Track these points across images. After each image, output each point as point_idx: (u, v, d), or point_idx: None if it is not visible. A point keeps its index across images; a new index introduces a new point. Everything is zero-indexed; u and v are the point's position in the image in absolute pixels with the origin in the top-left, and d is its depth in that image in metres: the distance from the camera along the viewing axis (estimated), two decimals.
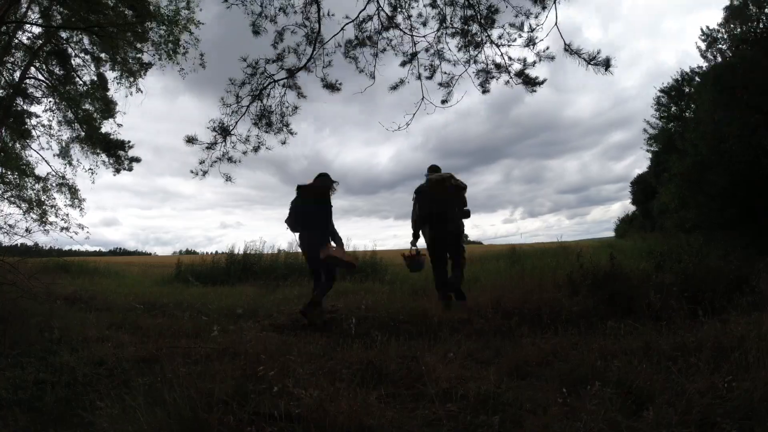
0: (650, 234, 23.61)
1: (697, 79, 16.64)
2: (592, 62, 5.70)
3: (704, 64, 16.81)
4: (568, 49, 5.81)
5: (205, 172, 6.64)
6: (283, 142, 6.82)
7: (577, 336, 4.65)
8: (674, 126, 24.44)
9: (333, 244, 5.64)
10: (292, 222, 5.61)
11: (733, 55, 11.40)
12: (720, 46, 13.58)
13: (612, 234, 45.65)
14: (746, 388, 2.85)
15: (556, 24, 5.73)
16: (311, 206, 5.53)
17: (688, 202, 12.14)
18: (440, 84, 6.81)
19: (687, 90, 22.53)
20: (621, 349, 4.01)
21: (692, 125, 13.10)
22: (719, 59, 12.27)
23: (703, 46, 16.96)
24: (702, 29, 16.31)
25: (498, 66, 6.47)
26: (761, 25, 11.35)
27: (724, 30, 13.51)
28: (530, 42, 6.08)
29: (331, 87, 6.68)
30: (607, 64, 5.68)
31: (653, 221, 29.31)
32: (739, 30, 11.86)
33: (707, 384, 3.02)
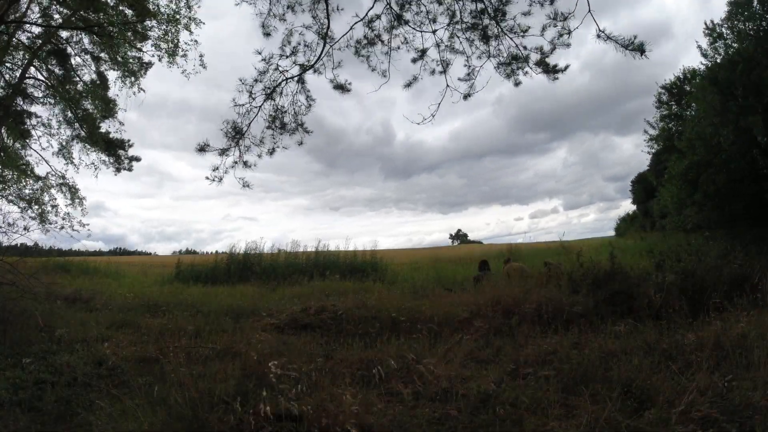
0: (650, 233, 23.61)
1: (698, 78, 16.51)
2: (628, 47, 5.56)
3: (706, 62, 16.74)
4: (603, 34, 5.56)
5: (220, 179, 6.51)
6: (300, 143, 6.73)
7: (577, 335, 4.65)
8: (674, 125, 24.38)
9: None
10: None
11: (735, 52, 11.35)
12: (724, 41, 13.50)
13: (612, 233, 45.64)
14: (747, 387, 2.85)
15: (589, 11, 5.49)
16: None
17: (686, 202, 12.15)
18: (461, 79, 6.65)
19: (688, 88, 22.44)
20: (621, 349, 4.01)
21: (691, 125, 13.10)
22: (722, 55, 12.18)
23: (705, 42, 16.89)
24: (706, 23, 16.19)
25: (516, 57, 6.34)
26: (764, 23, 11.32)
27: (727, 25, 13.42)
28: (562, 32, 5.84)
29: (341, 88, 6.59)
30: (641, 49, 5.56)
31: (653, 220, 29.31)
32: (742, 26, 11.80)
33: (707, 383, 3.02)
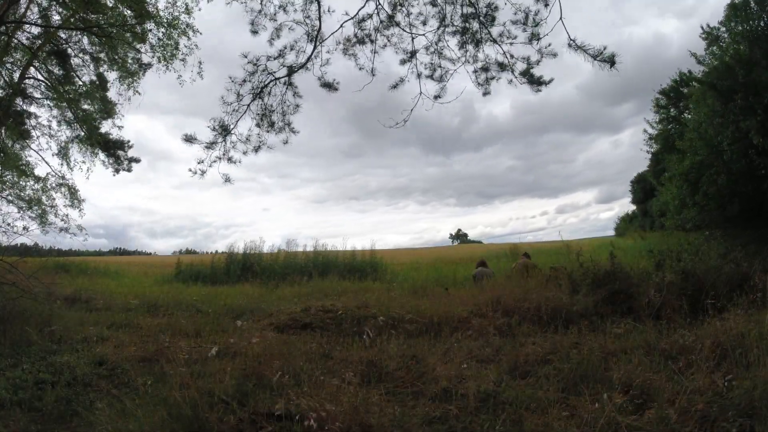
0: (650, 233, 23.63)
1: (694, 83, 16.47)
2: (597, 58, 5.64)
3: (703, 66, 16.77)
4: (573, 44, 5.66)
5: (204, 172, 6.57)
6: (285, 142, 6.82)
7: (577, 335, 4.65)
8: (673, 127, 24.44)
9: None
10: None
11: (732, 56, 11.37)
12: (721, 44, 13.54)
13: (612, 233, 45.65)
14: (746, 386, 2.85)
15: (561, 18, 5.59)
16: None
17: (687, 202, 12.17)
18: (434, 79, 6.70)
19: (685, 91, 22.48)
20: (621, 348, 4.01)
21: (690, 127, 13.12)
22: (719, 59, 12.21)
23: (703, 45, 16.93)
24: (702, 27, 16.25)
25: (501, 65, 6.41)
26: (762, 23, 11.34)
27: (725, 29, 13.48)
28: (533, 37, 5.97)
29: (329, 86, 6.66)
30: (612, 61, 5.63)
31: (653, 220, 29.33)
32: (740, 28, 11.83)
33: (707, 382, 3.02)
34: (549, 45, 5.98)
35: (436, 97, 6.75)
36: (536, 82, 6.25)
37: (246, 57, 6.36)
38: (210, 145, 6.46)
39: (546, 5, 5.81)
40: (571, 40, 5.70)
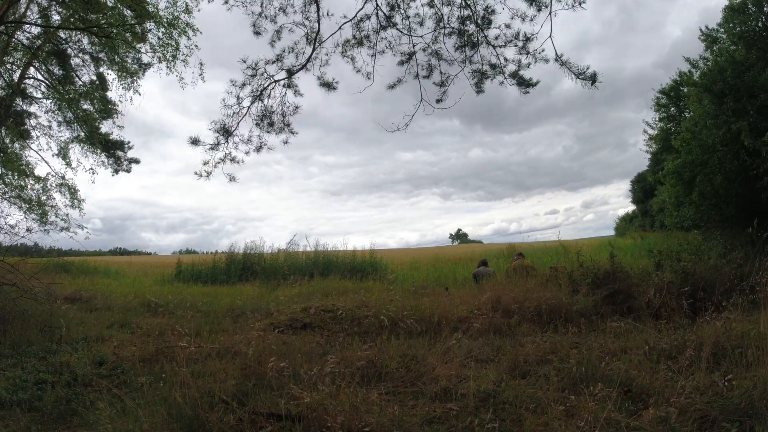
0: (650, 232, 23.67)
1: (694, 76, 16.53)
2: (580, 76, 5.87)
3: (697, 69, 16.89)
4: (559, 60, 6.02)
5: (209, 173, 6.63)
6: (285, 142, 6.91)
7: (577, 334, 4.66)
8: (672, 126, 24.51)
9: None
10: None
11: (724, 59, 11.41)
12: (720, 45, 13.60)
13: (612, 233, 45.65)
14: (746, 386, 2.85)
15: (550, 36, 5.93)
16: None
17: (683, 200, 12.18)
18: (435, 83, 6.80)
19: (685, 90, 22.55)
20: (621, 348, 4.01)
21: (686, 126, 13.19)
22: (716, 61, 12.26)
23: (702, 46, 16.98)
24: (701, 29, 16.32)
25: (493, 66, 6.52)
26: (760, 24, 11.36)
27: (723, 30, 13.54)
28: (525, 46, 6.13)
29: (328, 86, 6.74)
30: (593, 79, 5.86)
31: (653, 220, 29.39)
32: (738, 29, 11.86)
33: (707, 382, 3.02)
34: (543, 51, 6.12)
35: (438, 100, 6.80)
36: (525, 84, 6.42)
37: (245, 62, 6.45)
38: (214, 147, 6.55)
39: (539, 10, 5.91)
40: (557, 56, 6.03)
